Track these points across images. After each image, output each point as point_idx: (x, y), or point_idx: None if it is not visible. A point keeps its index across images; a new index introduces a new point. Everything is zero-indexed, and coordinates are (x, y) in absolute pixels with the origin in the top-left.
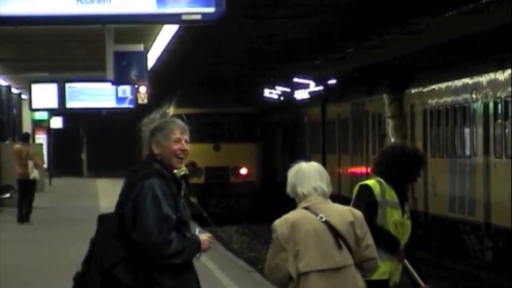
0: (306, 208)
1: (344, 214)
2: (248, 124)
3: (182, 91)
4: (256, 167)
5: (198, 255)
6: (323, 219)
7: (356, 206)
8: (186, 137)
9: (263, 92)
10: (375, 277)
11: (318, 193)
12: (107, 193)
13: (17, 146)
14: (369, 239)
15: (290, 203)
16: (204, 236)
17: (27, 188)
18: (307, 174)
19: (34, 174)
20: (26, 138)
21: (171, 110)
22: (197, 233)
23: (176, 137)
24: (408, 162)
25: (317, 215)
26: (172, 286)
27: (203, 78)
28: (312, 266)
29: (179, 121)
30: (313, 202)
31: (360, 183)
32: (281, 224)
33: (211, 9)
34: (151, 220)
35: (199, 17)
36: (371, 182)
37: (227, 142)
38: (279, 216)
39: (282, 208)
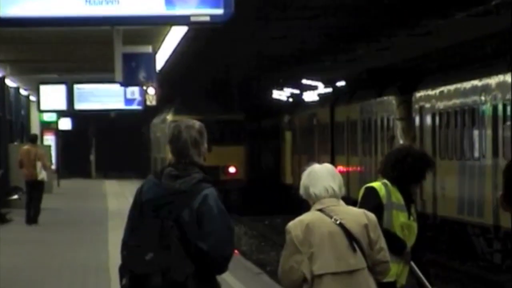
0: (320, 210)
1: (358, 217)
2: (235, 129)
3: (180, 100)
4: (244, 166)
5: None
6: (338, 222)
7: (361, 208)
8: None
9: (270, 94)
10: None
11: (329, 194)
12: (115, 195)
13: (26, 147)
14: (382, 242)
15: (302, 206)
16: None
17: (35, 189)
18: (319, 175)
19: (42, 175)
20: (34, 139)
21: (170, 117)
22: None
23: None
24: (413, 163)
25: (331, 217)
26: None
27: (199, 89)
28: (327, 269)
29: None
30: (327, 204)
31: (365, 186)
32: (295, 226)
33: (220, 11)
34: (223, 232)
35: (207, 18)
36: (376, 184)
37: (217, 144)
38: (287, 218)
39: (292, 211)
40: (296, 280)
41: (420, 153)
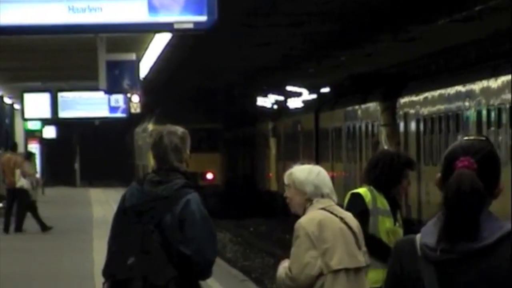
0: (323, 209)
1: (352, 218)
2: (213, 137)
3: (160, 109)
4: (221, 172)
5: None
6: (343, 220)
7: None
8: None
9: (253, 102)
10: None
11: (334, 196)
12: (100, 202)
13: (7, 155)
14: (364, 246)
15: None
16: None
17: (17, 198)
18: (326, 176)
19: (21, 182)
20: (14, 148)
21: (150, 126)
22: None
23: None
24: (383, 167)
25: (336, 215)
26: None
27: (179, 99)
28: (344, 264)
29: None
30: (327, 204)
31: (351, 192)
32: (308, 222)
33: (203, 18)
34: (205, 237)
35: (191, 25)
36: (362, 190)
37: (196, 152)
38: (272, 225)
39: (267, 215)
40: (313, 275)
41: (391, 156)
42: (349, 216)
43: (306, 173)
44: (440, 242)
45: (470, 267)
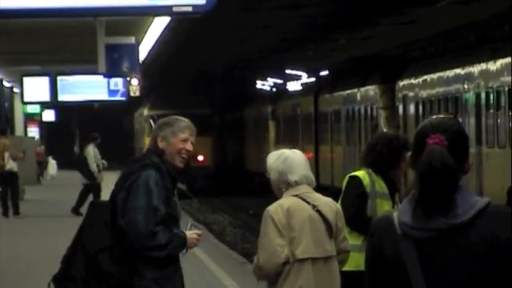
0: (296, 196)
1: (330, 205)
2: (204, 122)
3: (154, 96)
4: (211, 155)
5: (184, 251)
6: (315, 208)
7: (345, 197)
8: (193, 139)
9: (254, 85)
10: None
11: (308, 182)
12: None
13: None
14: (345, 232)
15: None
16: (192, 234)
17: (9, 181)
18: (297, 162)
19: (10, 165)
20: (4, 131)
21: (145, 111)
22: (188, 227)
23: (184, 137)
24: (382, 149)
25: (308, 203)
26: (153, 279)
27: (174, 85)
28: (309, 253)
29: (189, 122)
30: (303, 191)
31: (349, 174)
32: (276, 210)
33: (202, 1)
34: (139, 210)
35: (190, 9)
36: (360, 173)
37: None
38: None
39: (255, 193)
40: (280, 264)
41: (389, 138)
42: (325, 204)
43: (273, 158)
44: (414, 218)
45: (449, 244)
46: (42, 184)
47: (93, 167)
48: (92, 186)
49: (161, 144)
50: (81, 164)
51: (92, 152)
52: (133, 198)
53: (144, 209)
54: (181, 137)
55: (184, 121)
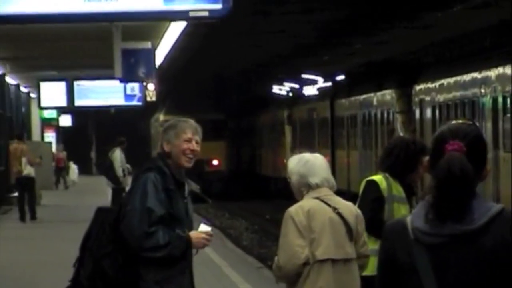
0: (317, 198)
1: (350, 209)
2: (218, 126)
3: (170, 101)
4: (225, 159)
5: (195, 252)
6: (336, 210)
7: (362, 201)
8: (198, 138)
9: (270, 89)
10: None
11: (329, 185)
12: None
13: (14, 145)
14: (365, 237)
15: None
16: (199, 234)
17: (26, 186)
18: (318, 165)
19: (27, 170)
20: (21, 136)
21: (161, 116)
22: (200, 227)
23: (187, 137)
24: (399, 154)
25: (329, 205)
26: (156, 281)
27: (189, 91)
28: (330, 254)
29: (192, 122)
30: (324, 193)
31: (366, 179)
32: (297, 211)
33: (218, 6)
34: (134, 212)
35: (206, 13)
36: (377, 177)
37: (202, 140)
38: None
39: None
40: (300, 265)
41: (407, 143)
42: (345, 207)
43: (294, 162)
44: (427, 224)
45: (462, 249)
46: (59, 189)
47: (119, 171)
48: (117, 190)
49: (166, 147)
50: (107, 168)
51: (119, 156)
52: (130, 201)
53: (138, 211)
54: (184, 138)
55: (187, 122)
